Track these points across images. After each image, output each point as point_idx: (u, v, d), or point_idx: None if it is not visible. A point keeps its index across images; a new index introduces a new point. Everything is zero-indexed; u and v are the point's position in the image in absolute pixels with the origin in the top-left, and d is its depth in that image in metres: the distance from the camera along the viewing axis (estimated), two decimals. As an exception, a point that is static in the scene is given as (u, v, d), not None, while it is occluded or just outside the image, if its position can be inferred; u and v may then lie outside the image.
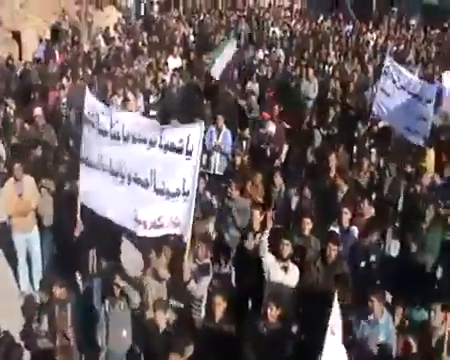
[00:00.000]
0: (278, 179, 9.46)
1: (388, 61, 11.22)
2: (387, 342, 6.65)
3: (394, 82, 10.92)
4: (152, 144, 6.70)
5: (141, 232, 6.80)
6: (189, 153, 6.52)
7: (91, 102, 7.26)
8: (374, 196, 9.59)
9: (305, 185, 9.32)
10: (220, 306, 6.56)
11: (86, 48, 17.29)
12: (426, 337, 6.59)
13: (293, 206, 9.22)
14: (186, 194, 6.59)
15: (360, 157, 10.62)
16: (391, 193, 9.74)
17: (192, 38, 18.40)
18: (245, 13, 23.28)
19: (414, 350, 6.55)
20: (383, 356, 6.49)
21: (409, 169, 10.36)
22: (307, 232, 7.99)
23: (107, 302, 6.98)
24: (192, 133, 6.53)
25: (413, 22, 26.25)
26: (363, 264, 7.87)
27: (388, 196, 9.63)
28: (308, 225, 8.00)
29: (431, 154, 10.94)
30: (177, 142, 6.54)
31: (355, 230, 8.44)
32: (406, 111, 10.74)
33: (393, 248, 8.59)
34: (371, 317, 6.64)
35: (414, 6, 28.75)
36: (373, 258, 7.99)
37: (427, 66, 18.19)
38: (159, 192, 6.68)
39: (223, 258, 7.76)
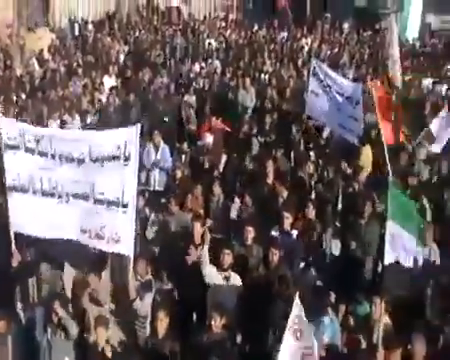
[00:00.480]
0: (216, 189, 9.50)
1: (314, 62, 11.44)
2: (333, 341, 6.76)
3: (321, 82, 11.14)
4: (81, 161, 6.76)
5: (86, 241, 6.89)
6: (127, 158, 6.57)
7: (9, 125, 7.14)
8: (313, 196, 9.77)
9: (245, 193, 9.40)
10: (163, 322, 6.54)
11: (19, 72, 16.95)
12: (369, 331, 6.73)
13: (233, 215, 9.24)
14: (125, 206, 6.59)
15: (297, 161, 10.80)
16: (329, 193, 9.92)
17: (127, 55, 18.30)
18: (181, 27, 23.33)
19: (363, 346, 6.66)
20: (329, 355, 6.57)
21: (347, 168, 10.62)
22: (250, 241, 8.03)
23: (49, 330, 6.83)
24: (128, 138, 6.57)
25: (346, 25, 26.83)
26: (302, 265, 8.00)
27: (327, 196, 9.80)
28: (250, 234, 8.05)
29: (368, 152, 11.20)
30: (115, 149, 6.60)
31: (294, 233, 8.56)
32: (338, 109, 10.95)
33: (334, 247, 8.74)
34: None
35: (346, 10, 29.43)
36: (314, 258, 8.13)
37: (360, 67, 18.66)
38: (99, 202, 6.75)
39: (165, 273, 7.72)
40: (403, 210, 6.20)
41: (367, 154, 10.94)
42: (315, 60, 11.53)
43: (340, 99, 10.92)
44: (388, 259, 6.07)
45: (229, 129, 11.49)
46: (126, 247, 6.71)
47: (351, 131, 10.68)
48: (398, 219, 6.07)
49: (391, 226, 6.05)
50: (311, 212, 8.92)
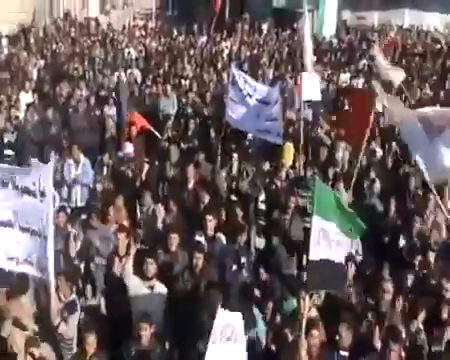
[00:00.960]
0: (147, 198, 9.42)
1: (234, 71, 11.47)
2: (258, 340, 6.83)
3: (241, 91, 11.19)
4: (5, 185, 6.64)
5: (14, 268, 6.74)
6: (42, 194, 6.55)
7: None
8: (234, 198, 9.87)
9: (169, 200, 9.37)
10: (90, 341, 6.41)
11: None
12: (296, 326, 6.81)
13: (158, 223, 9.19)
14: (45, 237, 6.54)
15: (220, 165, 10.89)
16: (253, 192, 10.04)
17: (43, 69, 17.84)
18: (99, 37, 23.01)
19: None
20: (254, 353, 6.62)
21: (268, 167, 10.78)
22: (174, 247, 8.00)
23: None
24: (42, 174, 6.59)
25: (265, 26, 27.30)
26: (234, 267, 8.03)
27: (250, 195, 9.91)
28: (175, 240, 8.02)
29: (289, 148, 11.38)
30: (31, 185, 6.56)
31: (221, 236, 8.59)
32: (257, 116, 11.05)
33: (259, 245, 8.82)
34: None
35: (265, 11, 29.96)
36: (243, 260, 8.18)
37: (280, 66, 19.01)
38: (24, 230, 6.65)
39: (90, 289, 7.58)
40: (329, 204, 6.12)
41: (289, 150, 11.11)
42: (235, 69, 11.55)
43: (259, 105, 11.01)
44: (314, 254, 6.00)
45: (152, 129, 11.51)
46: (46, 272, 6.60)
47: (271, 132, 10.79)
48: (325, 213, 6.02)
49: (317, 220, 5.99)
50: (239, 212, 9.04)
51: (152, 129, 11.99)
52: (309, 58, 11.34)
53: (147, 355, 6.52)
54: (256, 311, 6.95)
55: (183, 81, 16.78)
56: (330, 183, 10.29)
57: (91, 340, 6.41)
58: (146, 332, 6.55)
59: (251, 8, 30.08)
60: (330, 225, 6.03)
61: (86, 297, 7.49)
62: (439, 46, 25.99)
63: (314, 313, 6.84)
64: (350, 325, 6.51)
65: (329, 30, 27.24)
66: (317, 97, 12.25)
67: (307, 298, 6.19)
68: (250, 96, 10.87)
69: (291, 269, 8.32)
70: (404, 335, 6.83)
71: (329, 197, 6.15)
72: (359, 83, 17.73)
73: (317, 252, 5.97)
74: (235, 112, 11.22)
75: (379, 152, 11.94)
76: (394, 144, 12.24)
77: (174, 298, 7.32)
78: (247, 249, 8.59)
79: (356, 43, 23.84)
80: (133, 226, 8.98)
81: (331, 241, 6.05)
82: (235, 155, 11.30)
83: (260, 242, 8.83)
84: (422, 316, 7.12)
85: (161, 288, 7.31)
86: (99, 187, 10.10)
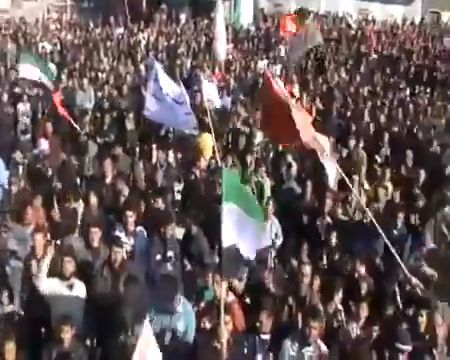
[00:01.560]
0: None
1: (156, 67, 11.32)
2: (187, 331, 6.76)
3: (161, 89, 11.09)
4: None
5: None
6: None
7: None
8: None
9: (89, 196, 9.21)
10: (10, 349, 6.19)
11: None
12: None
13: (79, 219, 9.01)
14: None
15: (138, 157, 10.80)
16: (171, 182, 10.06)
17: None
18: (11, 31, 22.18)
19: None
20: (184, 345, 6.63)
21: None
22: (96, 243, 7.89)
23: None
24: None
25: (182, 16, 27.19)
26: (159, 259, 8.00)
27: (167, 187, 9.91)
28: (96, 235, 7.91)
29: (207, 138, 11.41)
30: None
31: (142, 230, 8.53)
32: (172, 112, 10.98)
33: (179, 235, 8.84)
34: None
35: (183, 0, 29.82)
36: (171, 253, 8.15)
37: (198, 56, 19.00)
38: None
39: (5, 295, 7.32)
40: (238, 191, 6.20)
41: (206, 140, 11.14)
42: (157, 65, 11.41)
43: (175, 104, 10.96)
44: (227, 241, 6.03)
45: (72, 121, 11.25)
46: None
47: (187, 125, 10.77)
48: (233, 200, 6.06)
49: (227, 208, 6.01)
50: (159, 203, 9.00)
51: (72, 122, 11.69)
52: (221, 46, 11.36)
53: (69, 357, 6.40)
54: (186, 303, 6.92)
55: (100, 74, 16.46)
56: (251, 170, 10.47)
57: (10, 347, 6.19)
58: (67, 334, 6.42)
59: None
60: (240, 211, 6.08)
61: (2, 303, 7.22)
62: (353, 32, 26.84)
63: (231, 297, 6.92)
64: (270, 311, 6.62)
65: (246, 18, 27.48)
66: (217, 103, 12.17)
67: (223, 284, 6.26)
68: (168, 95, 10.81)
69: (212, 258, 8.37)
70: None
71: (236, 183, 6.23)
72: (277, 69, 18.02)
73: (230, 238, 6.01)
74: (154, 107, 11.10)
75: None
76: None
77: (94, 296, 7.20)
78: (174, 241, 8.56)
79: (273, 30, 24.12)
80: (51, 225, 8.74)
81: (244, 226, 6.10)
82: (154, 146, 11.22)
83: (180, 232, 8.82)
84: (339, 296, 7.33)
85: (80, 287, 7.17)
86: (14, 188, 9.74)
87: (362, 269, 7.76)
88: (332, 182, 8.71)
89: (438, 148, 11.92)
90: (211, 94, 12.32)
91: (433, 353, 6.45)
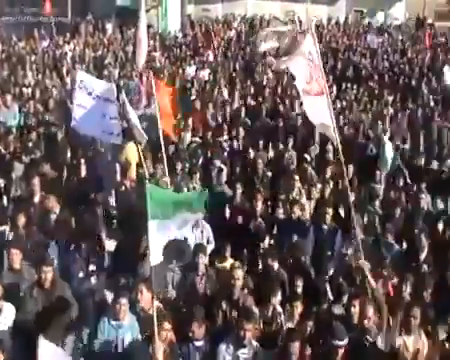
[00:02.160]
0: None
1: (81, 75, 11.07)
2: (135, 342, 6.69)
3: (89, 94, 10.85)
4: None
5: None
6: None
7: None
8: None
9: (16, 217, 8.91)
10: None
11: None
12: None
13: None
14: None
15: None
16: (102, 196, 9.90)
17: None
18: None
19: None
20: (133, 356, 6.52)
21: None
22: (17, 265, 7.62)
23: None
24: None
25: (109, 26, 26.88)
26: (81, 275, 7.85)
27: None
28: (16, 256, 7.62)
29: (132, 147, 11.21)
30: None
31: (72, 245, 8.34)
32: (102, 115, 10.77)
33: (109, 246, 8.72)
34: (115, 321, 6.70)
35: (109, 10, 29.46)
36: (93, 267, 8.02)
37: (125, 66, 18.81)
38: None
39: None
40: (165, 204, 6.04)
41: (132, 150, 10.94)
42: (81, 73, 11.15)
43: (104, 103, 10.72)
44: (154, 260, 5.96)
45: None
46: None
47: (113, 133, 10.58)
48: (162, 215, 5.96)
49: (153, 225, 5.92)
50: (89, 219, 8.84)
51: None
52: (141, 56, 11.23)
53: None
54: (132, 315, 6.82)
55: (25, 89, 16.02)
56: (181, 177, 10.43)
57: None
58: (-1, 360, 6.20)
59: (94, 8, 29.48)
60: (168, 224, 6.03)
61: None
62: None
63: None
64: (201, 319, 6.61)
65: (174, 25, 27.46)
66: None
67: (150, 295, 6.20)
68: (97, 96, 10.57)
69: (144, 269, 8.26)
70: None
71: (163, 196, 6.14)
72: (205, 75, 18.08)
73: (158, 257, 5.97)
74: (81, 117, 10.85)
75: (226, 142, 12.22)
76: (242, 130, 12.61)
77: (23, 318, 6.97)
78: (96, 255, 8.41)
79: (199, 36, 24.21)
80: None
81: (172, 241, 6.07)
82: (82, 160, 11.02)
83: (110, 245, 8.69)
84: (278, 298, 7.35)
85: (8, 308, 6.94)
86: None
87: (275, 264, 7.78)
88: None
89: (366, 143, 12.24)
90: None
91: (369, 342, 6.59)
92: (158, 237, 5.96)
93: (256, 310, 7.10)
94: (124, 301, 6.72)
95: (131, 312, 6.87)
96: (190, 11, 31.71)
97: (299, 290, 7.58)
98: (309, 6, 34.05)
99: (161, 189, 6.76)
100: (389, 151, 11.54)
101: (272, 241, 9.23)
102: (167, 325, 6.39)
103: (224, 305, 7.18)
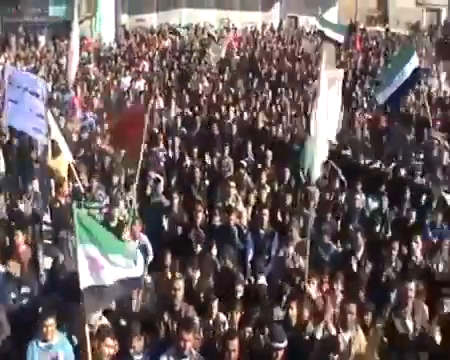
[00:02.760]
0: None
1: (10, 71, 10.78)
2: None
3: (19, 87, 10.58)
4: None
5: None
6: None
7: None
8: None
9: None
10: None
11: None
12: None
13: None
14: None
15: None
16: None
17: None
18: None
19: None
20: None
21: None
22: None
23: None
24: None
25: (41, 38, 26.37)
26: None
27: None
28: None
29: (62, 161, 10.91)
30: None
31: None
32: (29, 110, 10.49)
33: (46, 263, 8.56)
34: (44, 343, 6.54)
35: (41, 22, 28.90)
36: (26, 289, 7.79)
37: (59, 79, 18.49)
38: None
39: None
40: (92, 232, 6.04)
41: (62, 163, 10.68)
42: (10, 68, 10.78)
43: (31, 97, 10.45)
44: (84, 283, 5.94)
45: None
46: None
47: (41, 131, 10.33)
48: (88, 242, 5.96)
49: (82, 250, 5.91)
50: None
51: None
52: (73, 68, 11.07)
53: None
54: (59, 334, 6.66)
55: None
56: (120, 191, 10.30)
57: None
58: None
59: (26, 20, 28.84)
60: (97, 250, 5.98)
61: None
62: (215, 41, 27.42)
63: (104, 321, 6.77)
64: (139, 334, 6.52)
65: (108, 36, 27.16)
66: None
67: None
68: (25, 89, 10.30)
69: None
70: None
71: (90, 223, 6.13)
72: (140, 85, 17.97)
73: (87, 280, 5.93)
74: (13, 111, 10.55)
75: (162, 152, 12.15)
76: (177, 139, 12.57)
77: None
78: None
79: (135, 46, 24.08)
80: None
81: (102, 265, 6.01)
82: (19, 177, 10.74)
83: (48, 262, 8.50)
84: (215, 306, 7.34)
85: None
86: None
87: (196, 273, 7.84)
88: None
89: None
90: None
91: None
92: (87, 262, 5.95)
93: (197, 320, 7.07)
94: (50, 321, 6.54)
95: (60, 330, 6.75)
96: (124, 21, 31.47)
97: (239, 295, 7.59)
98: (244, 13, 34.53)
99: (88, 218, 6.63)
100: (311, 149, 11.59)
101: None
102: (110, 341, 6.30)
103: (166, 317, 7.12)
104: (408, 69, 12.70)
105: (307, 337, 6.78)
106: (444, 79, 27.20)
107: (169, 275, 8.04)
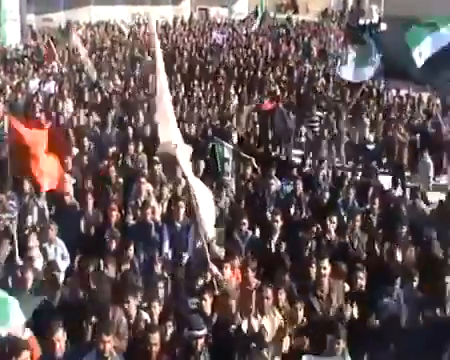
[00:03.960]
0: None
1: None
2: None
3: None
4: None
5: None
6: None
7: None
8: None
9: None
10: None
11: None
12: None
13: None
14: None
15: None
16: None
17: None
18: None
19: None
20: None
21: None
22: None
23: None
24: None
25: None
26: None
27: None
28: None
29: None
30: None
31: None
32: None
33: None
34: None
35: None
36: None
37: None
38: None
39: None
40: None
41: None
42: None
43: None
44: None
45: None
46: None
47: None
48: None
49: None
50: None
51: None
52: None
53: None
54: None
55: None
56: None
57: None
58: None
59: None
60: None
61: None
62: (126, 38, 27.13)
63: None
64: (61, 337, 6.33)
65: (13, 38, 26.17)
66: None
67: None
68: None
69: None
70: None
71: None
72: (50, 87, 17.48)
73: None
74: None
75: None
76: (86, 140, 12.29)
77: None
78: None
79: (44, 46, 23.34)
80: None
81: None
82: None
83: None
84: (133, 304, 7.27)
85: None
86: None
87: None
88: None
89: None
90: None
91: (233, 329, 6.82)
92: None
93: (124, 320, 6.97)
94: None
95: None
96: (31, 21, 30.47)
97: (160, 291, 7.55)
98: (154, 7, 34.28)
99: None
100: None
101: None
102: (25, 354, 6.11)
103: (93, 319, 6.99)
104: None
105: (233, 330, 6.83)
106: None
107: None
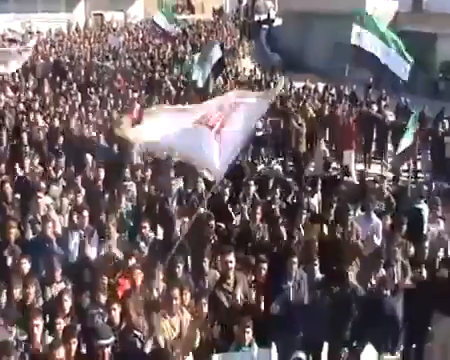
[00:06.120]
0: None
1: None
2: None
3: None
4: None
5: None
6: None
7: None
8: None
9: None
10: None
11: None
12: None
13: None
14: None
15: None
16: None
17: None
18: None
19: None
20: None
21: None
22: None
23: None
24: None
25: None
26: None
27: None
28: None
29: None
30: None
31: None
32: None
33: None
34: None
35: None
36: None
37: None
38: None
39: None
40: None
41: None
42: None
43: None
44: None
45: None
46: None
47: None
48: None
49: None
50: None
51: None
52: None
53: None
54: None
55: None
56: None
57: None
58: None
59: None
60: None
61: None
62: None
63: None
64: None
65: None
66: None
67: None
68: None
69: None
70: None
71: None
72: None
73: None
74: None
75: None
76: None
77: None
78: None
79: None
80: None
81: None
82: None
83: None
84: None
85: None
86: None
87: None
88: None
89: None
90: None
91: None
92: None
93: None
94: None
95: None
96: None
97: (66, 305, 7.37)
98: (47, 15, 33.36)
99: None
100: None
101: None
102: None
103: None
104: None
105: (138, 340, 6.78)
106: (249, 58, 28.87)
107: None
